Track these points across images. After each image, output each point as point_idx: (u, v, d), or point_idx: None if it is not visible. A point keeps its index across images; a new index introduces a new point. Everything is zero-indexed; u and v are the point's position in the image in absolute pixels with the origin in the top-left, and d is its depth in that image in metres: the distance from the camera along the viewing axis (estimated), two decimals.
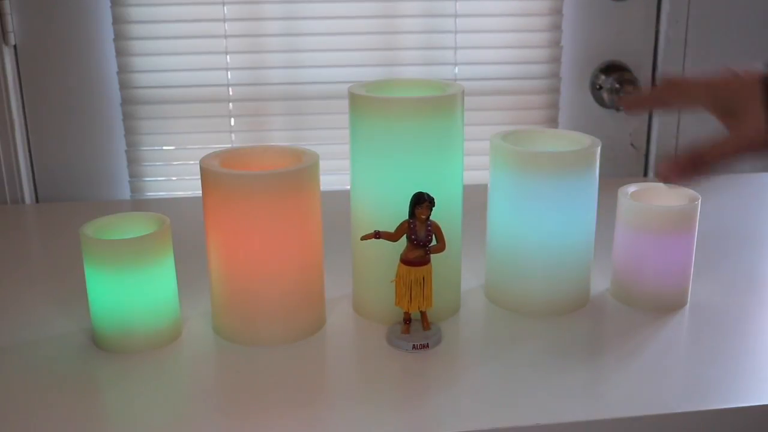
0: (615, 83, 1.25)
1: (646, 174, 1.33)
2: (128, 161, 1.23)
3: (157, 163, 1.23)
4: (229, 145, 1.23)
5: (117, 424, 0.63)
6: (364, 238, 0.71)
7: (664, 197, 0.82)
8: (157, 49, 1.18)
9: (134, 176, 1.23)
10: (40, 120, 1.20)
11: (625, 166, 1.32)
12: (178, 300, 0.76)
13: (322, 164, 0.75)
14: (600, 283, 0.85)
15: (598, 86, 1.27)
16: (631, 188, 0.82)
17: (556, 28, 1.23)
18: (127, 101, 1.20)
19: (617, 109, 1.28)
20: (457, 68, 1.24)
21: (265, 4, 1.18)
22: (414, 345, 0.72)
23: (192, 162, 1.23)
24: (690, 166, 0.59)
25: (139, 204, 1.20)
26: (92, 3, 1.16)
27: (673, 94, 0.64)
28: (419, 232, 0.70)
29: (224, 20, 1.18)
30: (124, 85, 1.19)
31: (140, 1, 1.16)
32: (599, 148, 0.77)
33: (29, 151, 1.21)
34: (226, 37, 1.19)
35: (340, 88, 1.20)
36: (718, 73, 0.61)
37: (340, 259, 0.87)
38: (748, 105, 0.58)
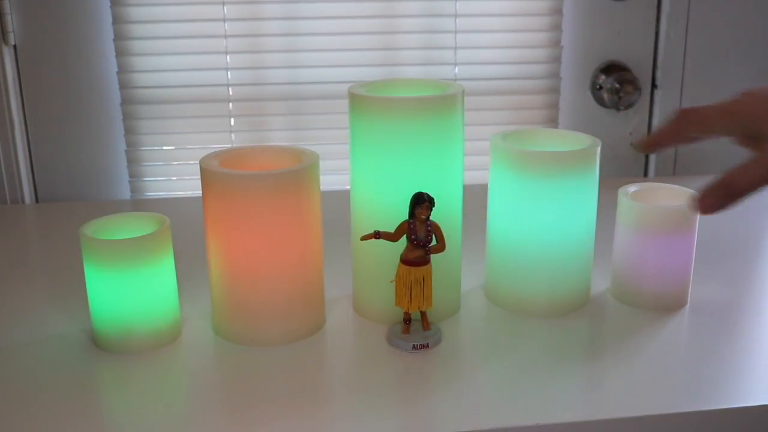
0: (615, 83, 1.25)
1: (646, 174, 1.33)
2: (128, 161, 1.23)
3: (157, 163, 1.23)
4: (229, 145, 1.23)
5: (117, 425, 0.63)
6: (364, 238, 0.71)
7: (664, 197, 0.82)
8: (157, 49, 1.18)
9: (134, 176, 1.23)
10: (40, 120, 1.20)
11: (625, 166, 1.32)
12: (178, 300, 0.76)
13: (322, 164, 0.75)
14: (600, 283, 0.85)
15: (598, 86, 1.27)
16: (631, 188, 0.82)
17: (556, 28, 1.23)
18: (127, 101, 1.20)
19: (617, 109, 1.28)
20: (457, 68, 1.24)
21: (265, 4, 1.18)
22: (414, 345, 0.72)
23: (192, 162, 1.23)
24: (722, 196, 0.57)
25: (139, 204, 1.20)
26: (92, 3, 1.16)
27: (689, 126, 0.60)
28: (419, 232, 0.70)
29: (224, 20, 1.18)
30: (124, 85, 1.19)
31: (140, 1, 1.15)
32: (599, 148, 0.77)
33: (29, 151, 1.21)
34: (226, 37, 1.19)
35: (340, 88, 1.20)
36: (736, 97, 0.58)
37: (340, 259, 0.87)
38: None
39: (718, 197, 0.56)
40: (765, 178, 0.55)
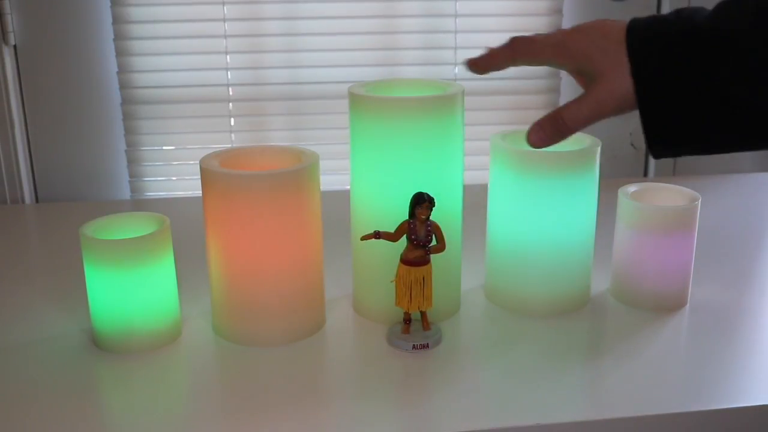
0: None
1: (646, 174, 1.33)
2: (128, 161, 1.23)
3: (157, 163, 1.23)
4: (229, 145, 1.23)
5: (117, 425, 0.63)
6: (364, 238, 0.71)
7: (664, 197, 0.82)
8: (157, 49, 1.18)
9: (134, 176, 1.23)
10: (40, 120, 1.20)
11: (625, 166, 1.32)
12: (178, 300, 0.76)
13: (322, 164, 0.75)
14: (600, 283, 0.85)
15: None
16: (631, 188, 0.82)
17: (556, 28, 1.23)
18: (127, 101, 1.20)
19: None
20: (457, 68, 1.24)
21: (265, 4, 1.18)
22: (414, 345, 0.72)
23: (192, 162, 1.23)
24: (550, 132, 0.56)
25: (139, 204, 1.20)
26: (92, 3, 1.16)
27: (521, 54, 0.58)
28: (419, 232, 0.70)
29: (224, 20, 1.18)
30: (124, 85, 1.19)
31: (140, 1, 1.16)
32: (599, 148, 0.77)
33: (29, 151, 1.21)
34: (226, 37, 1.19)
35: (340, 88, 1.20)
36: (568, 32, 0.57)
37: (340, 259, 0.87)
38: (605, 66, 0.54)
39: (546, 133, 0.56)
40: (590, 118, 0.55)
